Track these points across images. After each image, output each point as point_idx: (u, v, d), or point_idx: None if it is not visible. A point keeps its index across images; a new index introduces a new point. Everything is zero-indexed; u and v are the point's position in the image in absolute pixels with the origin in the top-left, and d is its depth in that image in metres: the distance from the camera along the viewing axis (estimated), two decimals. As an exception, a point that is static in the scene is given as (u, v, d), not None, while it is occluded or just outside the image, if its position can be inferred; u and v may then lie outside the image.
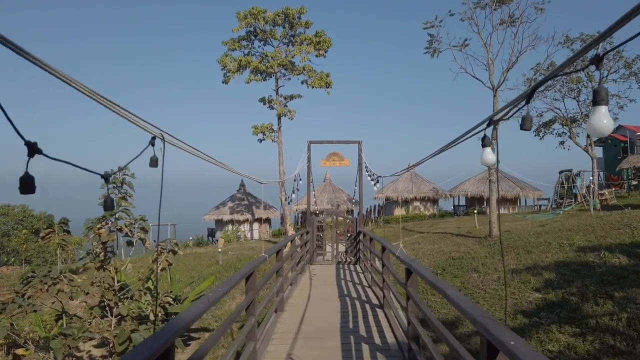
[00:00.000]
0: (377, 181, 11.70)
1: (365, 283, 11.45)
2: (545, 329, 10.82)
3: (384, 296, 7.55)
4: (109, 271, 10.85)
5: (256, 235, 31.63)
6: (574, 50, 22.02)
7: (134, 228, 11.56)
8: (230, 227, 30.90)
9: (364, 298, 9.31)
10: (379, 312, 7.84)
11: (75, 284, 10.41)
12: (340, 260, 15.65)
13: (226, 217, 30.93)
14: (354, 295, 9.78)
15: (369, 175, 12.98)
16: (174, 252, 12.65)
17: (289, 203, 26.25)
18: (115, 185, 11.15)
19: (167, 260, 12.16)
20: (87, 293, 10.71)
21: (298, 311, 8.05)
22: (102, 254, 10.89)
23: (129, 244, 11.79)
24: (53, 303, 10.51)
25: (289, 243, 11.07)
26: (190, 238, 30.59)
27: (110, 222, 11.09)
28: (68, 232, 11.47)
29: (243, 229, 31.20)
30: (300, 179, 14.72)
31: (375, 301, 8.90)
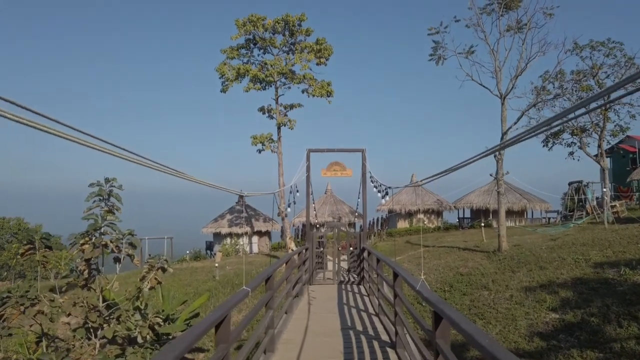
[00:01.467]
0: (386, 193, 10.51)
1: (371, 310, 9.98)
2: (565, 354, 9.96)
3: (397, 333, 6.32)
4: (94, 290, 10.05)
5: (255, 249, 30.77)
6: (583, 58, 21.45)
7: (122, 243, 10.76)
8: (228, 240, 30.05)
9: (371, 332, 7.91)
10: (391, 353, 6.57)
11: (56, 305, 9.61)
12: (342, 279, 14.40)
13: (224, 230, 30.08)
14: (360, 327, 8.37)
15: (375, 187, 11.86)
16: (164, 270, 11.73)
17: (282, 218, 25.33)
18: (101, 198, 10.35)
19: (155, 279, 11.28)
20: (69, 315, 9.88)
21: (292, 352, 6.76)
22: (86, 271, 10.09)
23: (116, 260, 10.98)
24: (31, 326, 9.73)
25: (284, 264, 9.72)
26: (187, 252, 29.72)
27: (94, 237, 10.30)
28: (50, 248, 10.69)
29: (242, 242, 30.34)
30: (297, 191, 13.75)
31: (385, 337, 7.50)
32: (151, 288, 11.48)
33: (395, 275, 5.98)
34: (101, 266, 11.42)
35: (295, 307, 10.17)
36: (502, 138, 18.12)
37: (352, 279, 14.46)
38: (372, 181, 12.70)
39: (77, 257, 10.36)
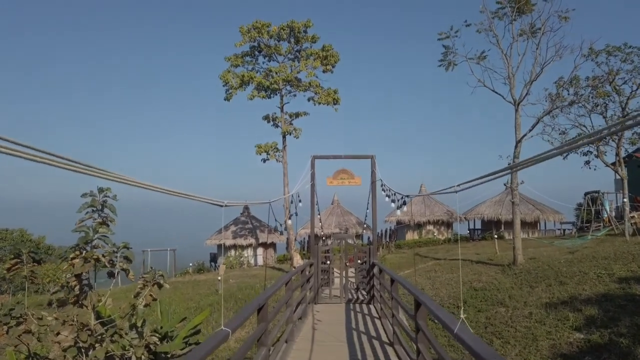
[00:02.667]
0: (404, 202, 9.37)
1: (384, 337, 8.83)
2: (594, 379, 9.16)
3: None
4: (86, 307, 9.36)
5: (260, 261, 30.03)
6: (598, 64, 20.70)
7: (116, 257, 10.07)
8: (232, 252, 29.34)
9: None
10: None
11: (44, 323, 8.95)
12: (350, 297, 13.25)
13: (228, 242, 29.38)
14: None
15: (388, 196, 10.83)
16: (160, 285, 10.97)
17: (281, 233, 24.45)
18: (94, 209, 9.69)
19: (150, 295, 10.53)
20: (58, 333, 9.20)
21: None
22: (77, 287, 9.41)
23: (110, 275, 10.29)
24: (16, 346, 9.09)
25: (284, 286, 8.49)
26: (190, 264, 29.06)
27: (85, 251, 9.62)
28: (38, 262, 10.06)
29: (246, 254, 29.62)
30: (300, 201, 12.87)
31: None
32: (146, 305, 10.73)
33: (418, 305, 4.73)
34: (94, 281, 10.72)
35: (298, 333, 8.98)
36: (516, 146, 17.37)
37: (361, 297, 13.38)
38: (383, 190, 11.71)
39: (68, 272, 9.68)
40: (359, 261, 15.14)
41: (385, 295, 9.57)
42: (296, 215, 12.35)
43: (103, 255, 9.81)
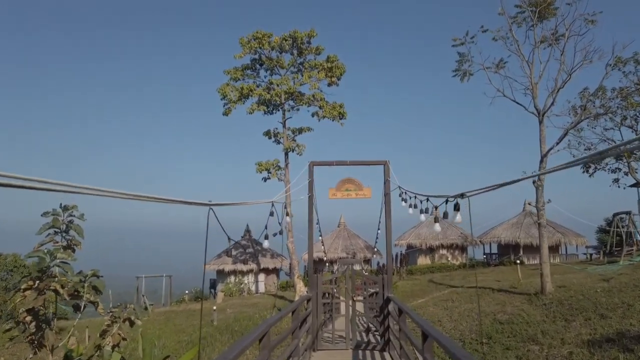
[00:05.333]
0: (456, 207, 6.09)
1: None
2: None
3: None
4: (46, 347, 7.71)
5: (262, 288, 28.18)
6: (625, 74, 19.14)
7: (82, 287, 8.40)
8: (232, 278, 27.53)
9: None
10: None
11: (-11, 368, 7.34)
12: (359, 339, 10.64)
13: (228, 267, 27.58)
14: None
15: (414, 206, 8.22)
16: (132, 323, 9.14)
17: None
18: (57, 230, 8.05)
19: (119, 334, 8.74)
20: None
21: None
22: (33, 324, 7.74)
23: (76, 308, 8.61)
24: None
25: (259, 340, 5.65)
26: (187, 292, 27.27)
27: (38, 282, 7.95)
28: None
29: (247, 281, 27.76)
30: (287, 214, 10.99)
31: None
32: (114, 346, 8.80)
33: None
34: (52, 318, 8.89)
35: None
36: (541, 160, 15.72)
37: (372, 341, 10.83)
38: (403, 199, 9.54)
39: (22, 305, 8.01)
40: (369, 290, 13.34)
41: (408, 346, 7.27)
42: (280, 233, 10.26)
43: (62, 286, 7.82)
